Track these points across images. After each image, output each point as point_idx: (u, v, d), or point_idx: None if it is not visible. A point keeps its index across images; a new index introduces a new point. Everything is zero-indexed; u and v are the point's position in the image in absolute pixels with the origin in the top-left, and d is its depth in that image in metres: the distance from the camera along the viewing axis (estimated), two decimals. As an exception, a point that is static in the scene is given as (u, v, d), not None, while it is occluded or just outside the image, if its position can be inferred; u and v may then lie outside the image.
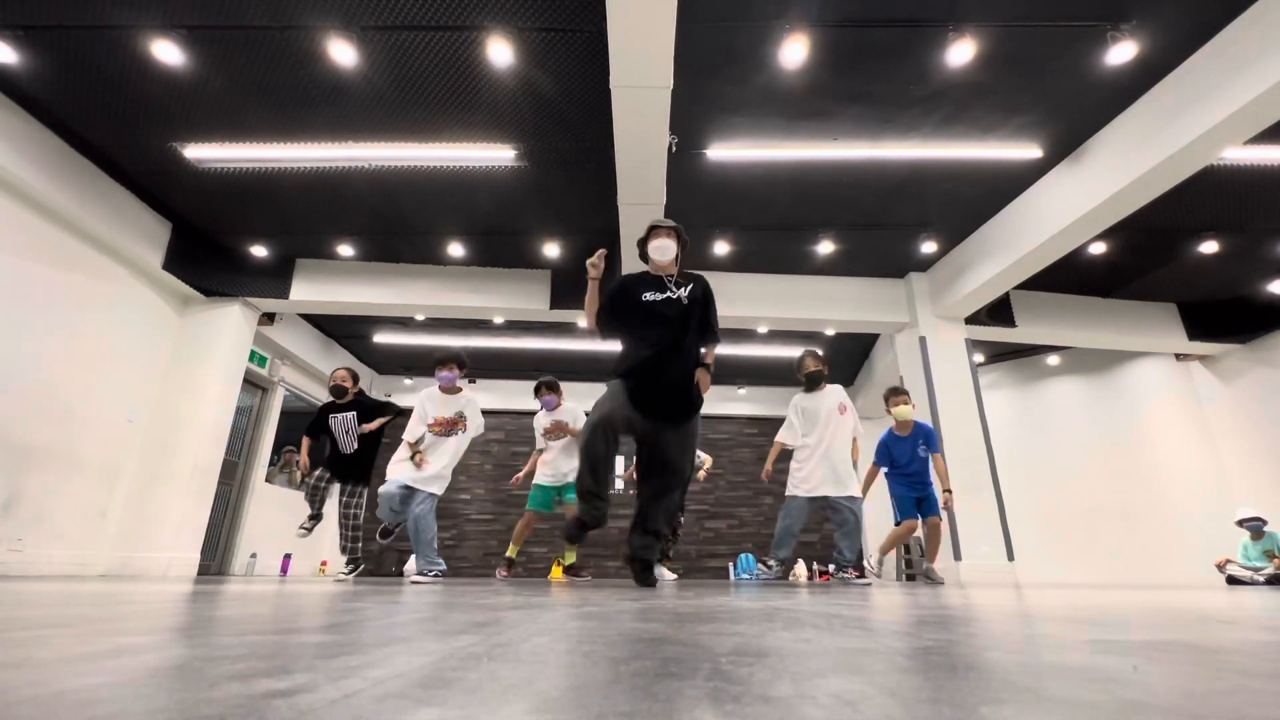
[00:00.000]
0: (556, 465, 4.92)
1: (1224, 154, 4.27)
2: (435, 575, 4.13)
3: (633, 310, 2.95)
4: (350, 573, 4.60)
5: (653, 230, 3.08)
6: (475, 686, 0.48)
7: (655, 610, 1.37)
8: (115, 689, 0.46)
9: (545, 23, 3.76)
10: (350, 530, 4.58)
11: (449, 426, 4.20)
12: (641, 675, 0.54)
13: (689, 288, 2.98)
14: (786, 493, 4.43)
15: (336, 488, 4.63)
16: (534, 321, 7.26)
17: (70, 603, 1.50)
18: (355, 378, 4.81)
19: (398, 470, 4.09)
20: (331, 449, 4.64)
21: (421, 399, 4.30)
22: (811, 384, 4.55)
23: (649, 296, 2.95)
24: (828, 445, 4.35)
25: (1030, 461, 8.10)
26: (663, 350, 2.84)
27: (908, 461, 4.66)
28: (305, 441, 4.66)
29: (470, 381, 9.97)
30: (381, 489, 4.07)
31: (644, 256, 3.13)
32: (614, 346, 3.16)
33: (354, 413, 4.63)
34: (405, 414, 4.52)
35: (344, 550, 4.62)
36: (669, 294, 2.95)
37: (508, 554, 4.96)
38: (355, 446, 4.58)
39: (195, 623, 1.04)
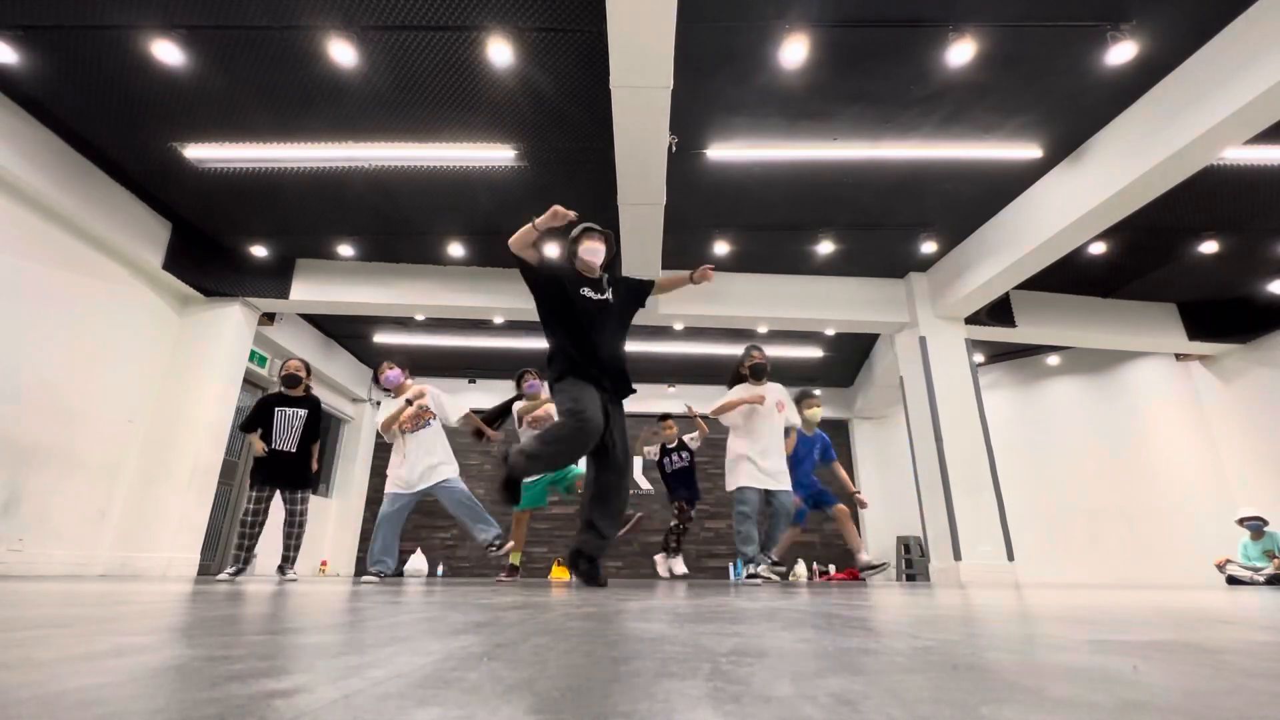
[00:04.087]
0: None
1: (1224, 154, 4.27)
2: (497, 538, 4.08)
3: (572, 302, 3.09)
4: (291, 576, 4.34)
5: (586, 231, 3.21)
6: (475, 686, 0.48)
7: (655, 610, 1.37)
8: (115, 689, 0.46)
9: (545, 23, 3.76)
10: (295, 539, 4.34)
11: (416, 421, 4.24)
12: (641, 675, 0.54)
13: (619, 291, 3.20)
14: (738, 484, 4.31)
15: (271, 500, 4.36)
16: (534, 321, 7.24)
17: (70, 603, 1.50)
18: (309, 369, 4.60)
19: (398, 478, 4.12)
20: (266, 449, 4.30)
21: (385, 408, 4.37)
22: (757, 376, 4.54)
23: (588, 293, 3.11)
24: (770, 439, 4.39)
25: (1030, 461, 8.10)
26: (609, 344, 3.09)
27: (803, 458, 4.92)
28: (256, 439, 4.30)
29: (470, 382, 9.98)
30: (386, 511, 4.06)
31: (572, 255, 3.24)
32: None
33: (306, 411, 4.38)
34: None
35: (285, 558, 4.36)
36: (605, 296, 3.14)
37: (511, 561, 4.67)
38: (294, 449, 4.32)
39: (195, 623, 1.04)
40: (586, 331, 3.06)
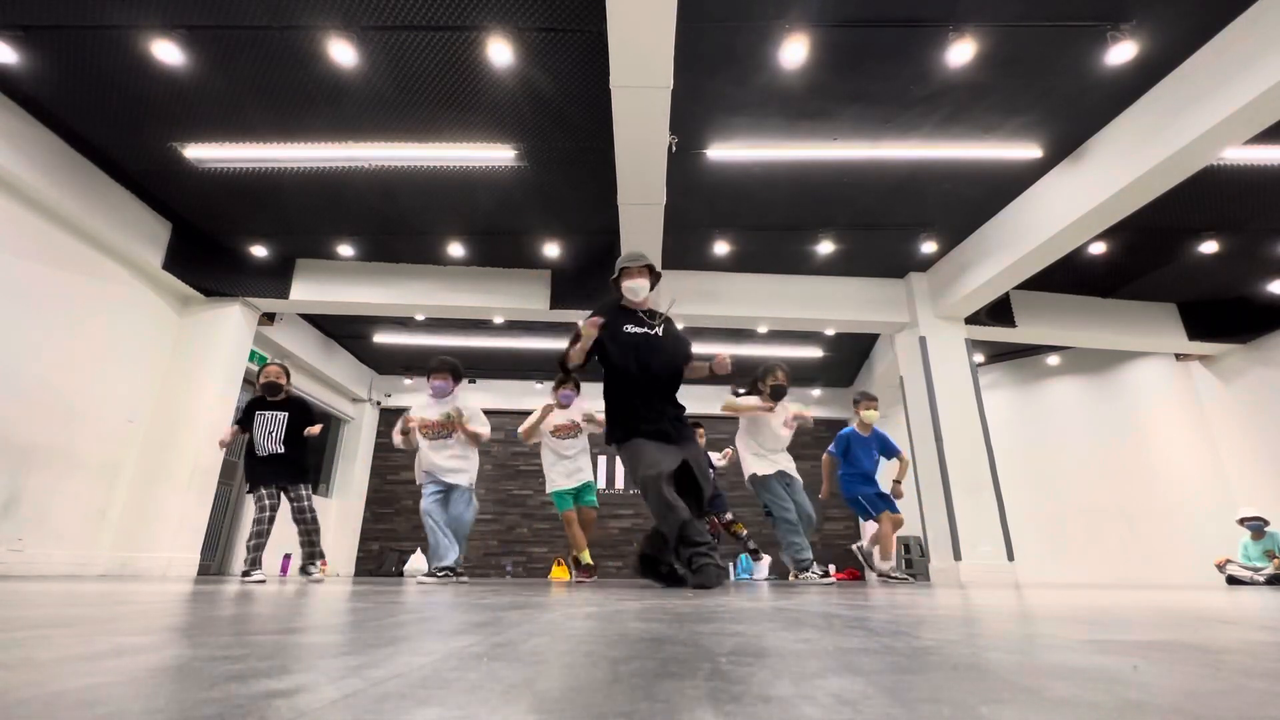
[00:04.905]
0: (574, 466, 4.81)
1: (1224, 154, 4.27)
2: (456, 562, 4.14)
3: (618, 344, 3.08)
4: (316, 576, 4.36)
5: (624, 271, 3.24)
6: (475, 686, 0.48)
7: (655, 610, 1.37)
8: (115, 689, 0.46)
9: (545, 23, 3.76)
10: (308, 534, 4.34)
11: (438, 429, 4.31)
12: (641, 675, 0.54)
13: (662, 324, 3.19)
14: (751, 471, 4.48)
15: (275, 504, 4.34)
16: (534, 321, 7.27)
17: (70, 603, 1.50)
18: (288, 373, 4.56)
19: (423, 465, 4.27)
20: (251, 452, 4.31)
21: (419, 405, 4.45)
22: (776, 398, 4.54)
23: (632, 329, 3.11)
24: (778, 447, 4.57)
25: (1030, 461, 8.10)
26: (660, 383, 3.08)
27: (866, 461, 4.98)
28: (234, 428, 4.41)
29: (470, 382, 9.97)
30: (423, 507, 4.16)
31: (618, 296, 3.29)
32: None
33: (286, 414, 4.35)
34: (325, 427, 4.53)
35: (309, 557, 4.38)
36: (649, 329, 3.13)
37: (584, 561, 4.79)
38: (281, 449, 4.30)
39: (195, 623, 1.04)
40: (632, 362, 3.05)
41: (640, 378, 3.05)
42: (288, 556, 7.81)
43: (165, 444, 5.73)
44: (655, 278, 3.30)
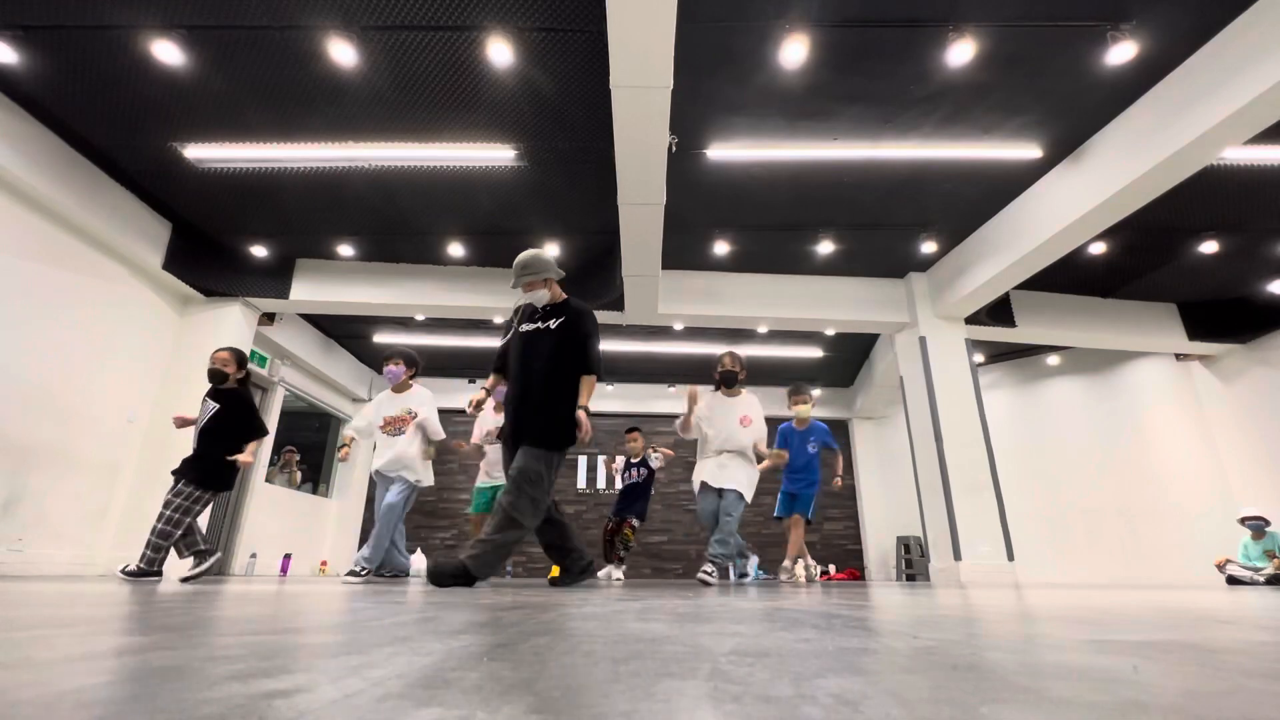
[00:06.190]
0: (499, 468, 4.72)
1: (1224, 154, 4.27)
2: (365, 572, 3.89)
3: (515, 342, 3.27)
4: (137, 573, 3.54)
5: (519, 288, 3.35)
6: (475, 686, 0.48)
7: (655, 610, 1.37)
8: (115, 689, 0.46)
9: (545, 23, 3.76)
10: (152, 529, 3.59)
11: (397, 425, 4.35)
12: (641, 675, 0.54)
13: (559, 319, 3.22)
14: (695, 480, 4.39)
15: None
16: (534, 321, 7.25)
17: (70, 603, 1.50)
18: (240, 360, 3.91)
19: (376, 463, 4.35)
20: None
21: (376, 400, 4.51)
22: (727, 384, 4.32)
23: (525, 327, 3.28)
24: (724, 444, 4.20)
25: (1030, 461, 8.10)
26: (528, 381, 3.12)
27: (795, 455, 4.99)
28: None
29: (470, 381, 9.96)
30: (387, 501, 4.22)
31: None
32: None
33: (216, 406, 3.76)
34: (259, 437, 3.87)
35: (145, 557, 3.56)
36: (539, 325, 3.24)
37: None
38: (194, 445, 3.76)
39: (195, 623, 1.04)
40: (515, 357, 3.25)
41: (517, 372, 3.20)
42: (288, 557, 7.82)
43: (165, 444, 5.72)
44: (546, 283, 3.35)
